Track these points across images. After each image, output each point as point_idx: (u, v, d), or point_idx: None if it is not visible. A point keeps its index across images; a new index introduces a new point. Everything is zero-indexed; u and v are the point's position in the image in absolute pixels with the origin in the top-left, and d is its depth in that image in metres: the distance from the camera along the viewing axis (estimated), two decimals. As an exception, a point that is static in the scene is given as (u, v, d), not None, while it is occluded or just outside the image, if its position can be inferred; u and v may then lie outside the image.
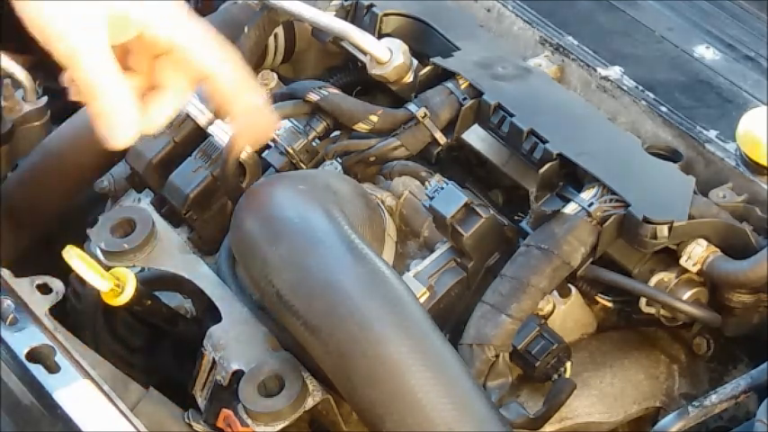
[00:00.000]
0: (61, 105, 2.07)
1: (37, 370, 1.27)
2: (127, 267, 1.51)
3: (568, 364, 1.49)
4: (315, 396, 1.40)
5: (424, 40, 1.72)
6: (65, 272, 1.49)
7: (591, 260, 1.48)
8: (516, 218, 1.61)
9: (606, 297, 1.55)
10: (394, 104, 1.67)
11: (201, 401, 1.50)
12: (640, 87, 1.65)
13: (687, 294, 1.48)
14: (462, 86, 1.62)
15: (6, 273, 1.40)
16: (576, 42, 1.73)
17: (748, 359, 1.54)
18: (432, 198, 1.52)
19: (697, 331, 1.56)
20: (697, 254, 1.45)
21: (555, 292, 1.52)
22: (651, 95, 1.64)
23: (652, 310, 1.50)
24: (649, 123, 1.63)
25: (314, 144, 1.66)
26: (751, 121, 1.51)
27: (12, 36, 2.08)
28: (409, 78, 1.68)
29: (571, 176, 1.52)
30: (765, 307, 1.47)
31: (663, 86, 1.66)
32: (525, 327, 1.46)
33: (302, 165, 1.66)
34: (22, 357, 1.28)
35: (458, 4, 1.81)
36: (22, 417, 1.28)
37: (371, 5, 1.73)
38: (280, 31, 1.87)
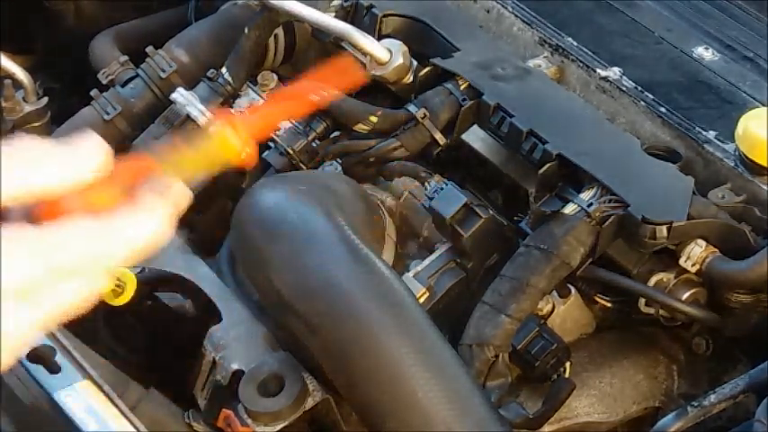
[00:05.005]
0: (61, 105, 2.07)
1: (37, 370, 1.27)
2: (127, 267, 1.51)
3: (568, 364, 1.49)
4: (315, 396, 1.40)
5: (423, 40, 1.72)
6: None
7: (590, 260, 1.48)
8: (516, 218, 1.61)
9: (605, 297, 1.55)
10: (394, 105, 1.67)
11: (201, 401, 1.50)
12: (639, 88, 1.65)
13: (686, 294, 1.48)
14: (462, 87, 1.62)
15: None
16: (575, 43, 1.73)
17: (747, 359, 1.54)
18: (431, 198, 1.53)
19: (696, 331, 1.57)
20: (696, 254, 1.45)
21: (554, 293, 1.52)
22: (650, 96, 1.64)
23: (651, 311, 1.50)
24: (648, 124, 1.63)
25: (314, 145, 1.66)
26: (750, 121, 1.51)
27: (12, 36, 2.09)
28: (409, 79, 1.68)
29: (570, 177, 1.52)
30: (765, 307, 1.47)
31: (662, 87, 1.66)
32: (525, 327, 1.47)
33: (302, 165, 1.66)
34: (23, 357, 1.28)
35: (457, 5, 1.81)
36: (22, 417, 1.28)
37: (371, 6, 1.73)
38: (280, 31, 1.87)
